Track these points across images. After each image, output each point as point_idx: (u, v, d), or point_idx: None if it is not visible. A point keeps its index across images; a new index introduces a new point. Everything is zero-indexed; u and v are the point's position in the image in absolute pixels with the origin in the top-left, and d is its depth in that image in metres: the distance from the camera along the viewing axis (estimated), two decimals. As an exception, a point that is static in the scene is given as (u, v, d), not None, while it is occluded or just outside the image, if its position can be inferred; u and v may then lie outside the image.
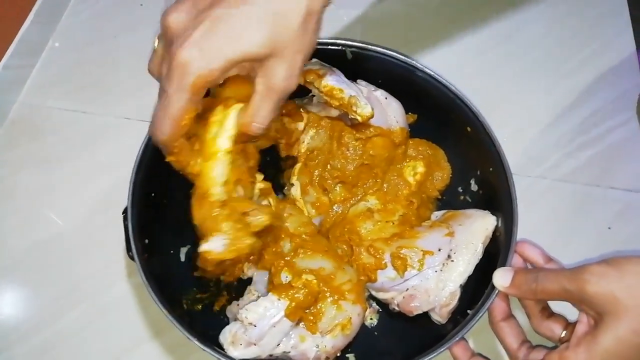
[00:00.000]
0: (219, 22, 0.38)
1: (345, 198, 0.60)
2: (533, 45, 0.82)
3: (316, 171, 0.60)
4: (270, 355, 0.51)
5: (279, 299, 0.50)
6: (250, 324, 0.49)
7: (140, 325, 0.64)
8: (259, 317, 0.49)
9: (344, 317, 0.52)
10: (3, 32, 0.76)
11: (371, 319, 0.60)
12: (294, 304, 0.50)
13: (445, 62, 0.78)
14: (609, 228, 0.70)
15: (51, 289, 0.65)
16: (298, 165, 0.60)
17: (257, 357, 0.50)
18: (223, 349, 0.50)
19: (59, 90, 0.79)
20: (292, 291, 0.50)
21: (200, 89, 0.39)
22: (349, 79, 0.58)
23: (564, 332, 0.46)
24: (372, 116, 0.56)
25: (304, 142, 0.60)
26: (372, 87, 0.60)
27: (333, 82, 0.56)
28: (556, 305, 0.48)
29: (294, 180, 0.60)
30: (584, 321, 0.43)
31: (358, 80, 0.61)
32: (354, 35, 0.84)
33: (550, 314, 0.48)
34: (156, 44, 0.42)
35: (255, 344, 0.49)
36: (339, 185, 0.60)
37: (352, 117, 0.56)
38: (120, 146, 0.73)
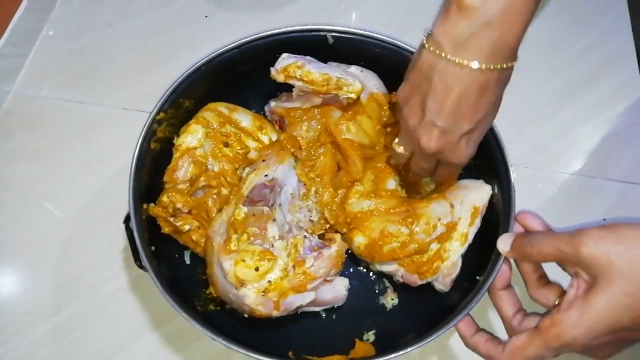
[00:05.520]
0: None
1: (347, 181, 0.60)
2: (532, 35, 0.81)
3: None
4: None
5: None
6: None
7: (139, 317, 0.64)
8: None
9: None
10: (-4, 19, 0.75)
11: (392, 299, 0.62)
12: None
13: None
14: (604, 219, 0.70)
15: (50, 282, 0.65)
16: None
17: None
18: None
19: (53, 80, 0.78)
20: None
21: None
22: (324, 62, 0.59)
23: (558, 299, 0.46)
24: (362, 90, 0.57)
25: (302, 137, 0.60)
26: (344, 66, 0.61)
27: (314, 69, 0.57)
28: (553, 275, 0.49)
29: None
30: (575, 285, 0.43)
31: (328, 63, 0.61)
32: (349, 22, 0.83)
33: (546, 282, 0.49)
34: None
35: None
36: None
37: (345, 97, 0.57)
38: (116, 137, 0.73)
